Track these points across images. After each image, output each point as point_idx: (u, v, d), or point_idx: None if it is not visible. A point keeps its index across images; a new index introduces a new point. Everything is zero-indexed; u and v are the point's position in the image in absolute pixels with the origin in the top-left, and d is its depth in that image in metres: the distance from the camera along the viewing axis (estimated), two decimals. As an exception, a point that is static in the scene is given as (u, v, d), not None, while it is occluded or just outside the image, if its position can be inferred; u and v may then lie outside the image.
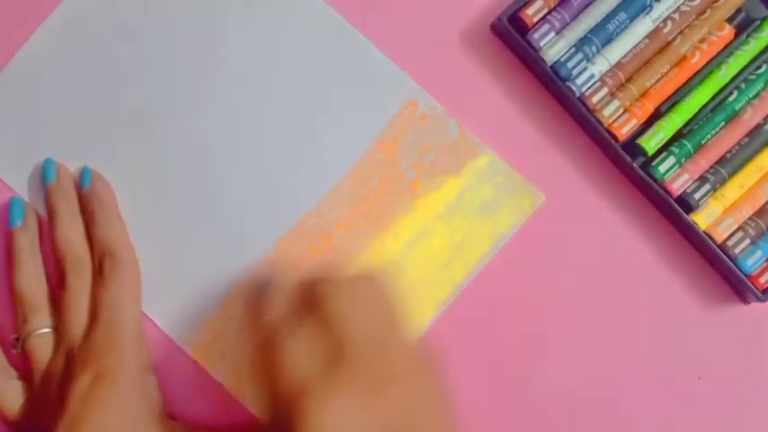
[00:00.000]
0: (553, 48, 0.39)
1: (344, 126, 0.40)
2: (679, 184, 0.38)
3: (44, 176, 0.39)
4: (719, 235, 0.38)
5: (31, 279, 0.38)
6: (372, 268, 0.34)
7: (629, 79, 0.39)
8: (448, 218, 0.40)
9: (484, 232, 0.40)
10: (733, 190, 0.39)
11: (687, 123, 0.39)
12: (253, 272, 0.39)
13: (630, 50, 0.39)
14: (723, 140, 0.39)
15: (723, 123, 0.39)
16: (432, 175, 0.40)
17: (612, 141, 0.39)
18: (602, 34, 0.39)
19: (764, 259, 0.38)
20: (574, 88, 0.38)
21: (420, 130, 0.40)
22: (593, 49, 0.39)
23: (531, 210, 0.40)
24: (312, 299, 0.33)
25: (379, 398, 0.30)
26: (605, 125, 0.39)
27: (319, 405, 0.29)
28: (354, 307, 0.32)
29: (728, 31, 0.39)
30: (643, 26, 0.39)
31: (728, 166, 0.39)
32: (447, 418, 0.31)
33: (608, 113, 0.39)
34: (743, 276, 0.38)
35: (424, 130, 0.40)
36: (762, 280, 0.38)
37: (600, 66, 0.39)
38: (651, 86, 0.39)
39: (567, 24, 0.39)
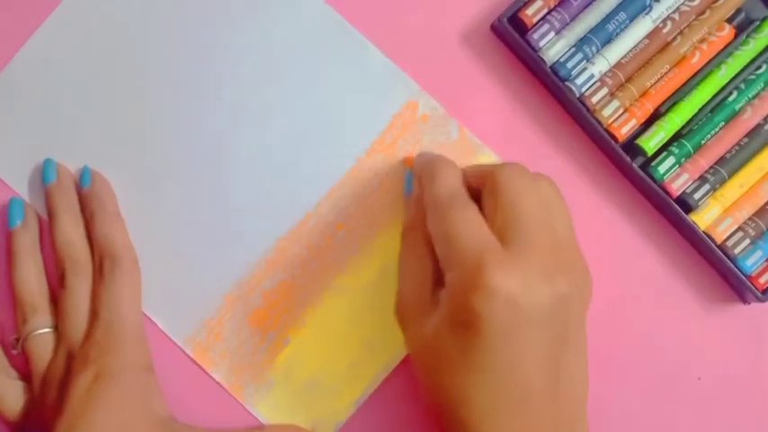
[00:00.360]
0: (553, 48, 0.39)
1: (345, 126, 0.40)
2: (679, 184, 0.39)
3: (44, 176, 0.39)
4: (719, 235, 0.38)
5: (31, 279, 0.38)
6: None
7: (629, 79, 0.39)
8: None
9: (484, 232, 0.40)
10: (733, 190, 0.39)
11: (687, 123, 0.39)
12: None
13: (630, 51, 0.39)
14: (723, 140, 0.39)
15: (723, 123, 0.39)
16: (432, 175, 0.40)
17: (612, 141, 0.39)
18: (602, 34, 0.39)
19: (764, 259, 0.38)
20: (573, 88, 0.38)
21: (420, 130, 0.40)
22: (593, 49, 0.39)
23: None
24: (491, 181, 0.33)
25: (552, 280, 0.31)
26: (605, 125, 0.39)
27: (500, 271, 0.30)
28: (534, 195, 0.33)
29: (728, 32, 0.39)
30: (643, 26, 0.39)
31: (728, 166, 0.39)
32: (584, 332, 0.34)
33: (608, 114, 0.39)
34: (743, 276, 0.38)
35: (425, 131, 0.40)
36: (761, 280, 0.38)
37: (600, 66, 0.39)
38: (651, 87, 0.39)
39: (567, 24, 0.39)
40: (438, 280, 0.34)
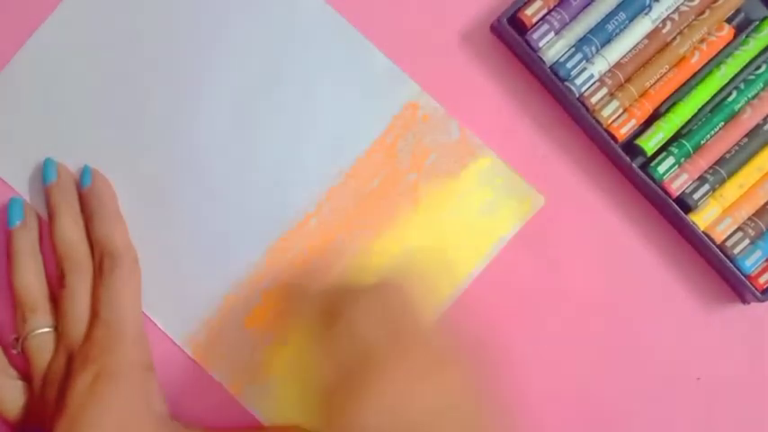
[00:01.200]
0: (552, 48, 0.39)
1: (345, 127, 0.40)
2: (678, 184, 0.39)
3: (44, 176, 0.39)
4: (719, 235, 0.38)
5: (31, 279, 0.38)
6: (390, 272, 0.35)
7: (629, 80, 0.39)
8: (448, 219, 0.40)
9: (483, 234, 0.40)
10: (732, 190, 0.39)
11: (686, 124, 0.39)
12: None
13: (630, 51, 0.39)
14: (722, 141, 0.39)
15: (722, 124, 0.39)
16: (432, 176, 0.40)
17: (612, 142, 0.39)
18: (602, 34, 0.39)
19: (764, 259, 0.38)
20: (573, 88, 0.38)
21: (421, 131, 0.40)
22: (593, 49, 0.39)
23: (531, 212, 0.40)
24: (334, 309, 0.33)
25: (405, 401, 0.31)
26: (604, 125, 0.39)
27: (347, 409, 0.30)
28: (372, 315, 0.33)
29: (728, 32, 0.39)
30: (642, 26, 0.39)
31: (728, 166, 0.39)
32: (476, 411, 0.32)
33: (607, 114, 0.39)
34: (742, 276, 0.38)
35: (425, 132, 0.40)
36: (761, 280, 0.38)
37: (599, 66, 0.39)
38: (650, 87, 0.39)
39: (567, 24, 0.39)
40: None
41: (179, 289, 0.40)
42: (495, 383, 0.33)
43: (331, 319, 0.33)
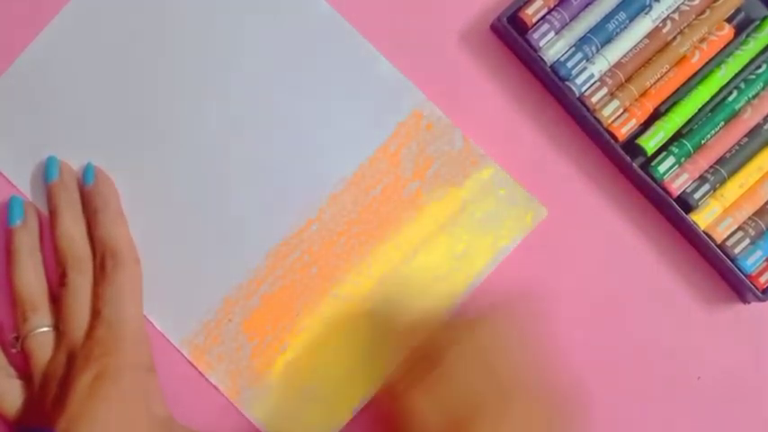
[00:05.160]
0: (553, 47, 0.38)
1: (349, 134, 0.40)
2: (679, 183, 0.38)
3: (47, 174, 0.39)
4: (719, 235, 0.38)
5: (31, 278, 0.38)
6: (508, 305, 0.36)
7: (629, 79, 0.39)
8: (450, 229, 0.40)
9: (485, 245, 0.40)
10: (733, 190, 0.39)
11: (687, 123, 0.39)
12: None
13: (630, 50, 0.39)
14: (723, 140, 0.39)
15: (723, 123, 0.39)
16: (435, 185, 0.40)
17: (612, 141, 0.39)
18: (602, 34, 0.39)
19: (764, 259, 0.38)
20: (573, 88, 0.38)
21: (424, 140, 0.40)
22: (593, 48, 0.39)
23: (533, 224, 0.40)
24: (432, 349, 0.34)
25: None
26: (605, 125, 0.39)
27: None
28: (472, 359, 0.33)
29: (728, 31, 0.39)
30: (643, 26, 0.39)
31: (728, 165, 0.39)
32: None
33: (607, 113, 0.39)
34: (743, 276, 0.38)
35: (429, 141, 0.40)
36: (761, 280, 0.38)
37: (599, 65, 0.39)
38: (651, 86, 0.39)
39: (567, 24, 0.39)
40: None
41: (178, 291, 0.39)
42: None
43: (429, 360, 0.34)
